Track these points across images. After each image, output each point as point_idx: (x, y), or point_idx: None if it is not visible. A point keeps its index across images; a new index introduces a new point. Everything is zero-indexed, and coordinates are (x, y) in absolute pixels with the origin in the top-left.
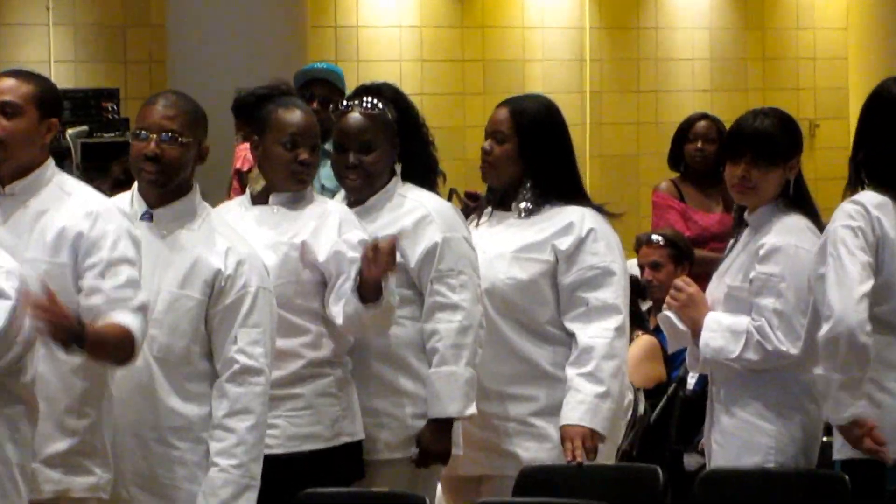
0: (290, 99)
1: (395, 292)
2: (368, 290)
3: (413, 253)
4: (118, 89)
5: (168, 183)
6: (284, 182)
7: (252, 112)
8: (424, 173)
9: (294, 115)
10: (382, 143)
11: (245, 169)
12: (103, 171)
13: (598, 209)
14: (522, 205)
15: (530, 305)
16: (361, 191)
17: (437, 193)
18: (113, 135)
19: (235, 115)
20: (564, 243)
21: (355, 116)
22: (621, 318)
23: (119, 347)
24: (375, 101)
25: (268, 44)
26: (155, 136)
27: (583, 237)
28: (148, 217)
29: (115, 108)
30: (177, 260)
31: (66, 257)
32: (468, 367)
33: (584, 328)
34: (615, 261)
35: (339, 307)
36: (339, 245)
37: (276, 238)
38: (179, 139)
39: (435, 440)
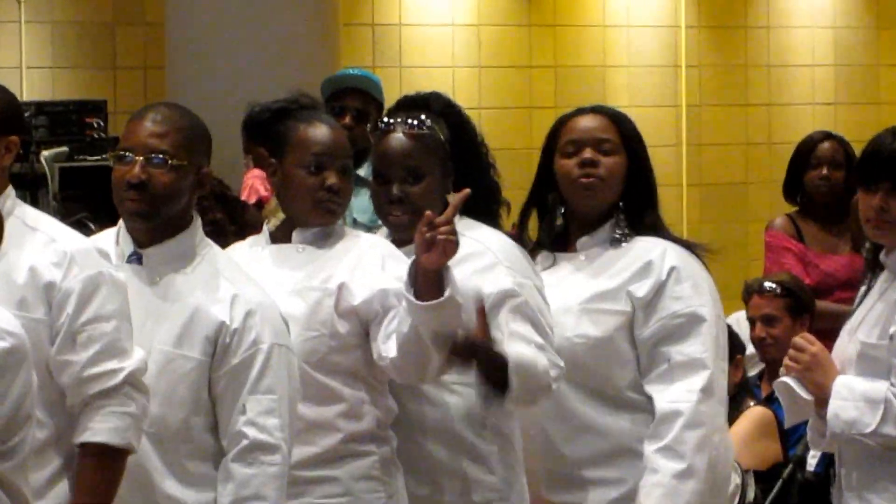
0: (313, 113)
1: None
2: (426, 285)
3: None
4: (105, 101)
5: (157, 216)
6: (309, 214)
7: (267, 131)
8: (485, 205)
9: (319, 132)
10: (433, 169)
11: (252, 201)
12: (87, 201)
13: (687, 245)
14: (623, 232)
15: (606, 368)
16: (409, 228)
17: (501, 228)
18: (98, 158)
19: (247, 134)
20: (642, 288)
21: (398, 138)
22: (708, 375)
23: (105, 482)
24: (423, 117)
25: (289, 46)
26: (141, 158)
27: (663, 280)
28: (136, 259)
29: (102, 124)
30: (172, 311)
31: (41, 312)
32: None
33: (664, 391)
34: (704, 305)
35: (391, 343)
36: (385, 282)
37: (305, 282)
38: (170, 162)
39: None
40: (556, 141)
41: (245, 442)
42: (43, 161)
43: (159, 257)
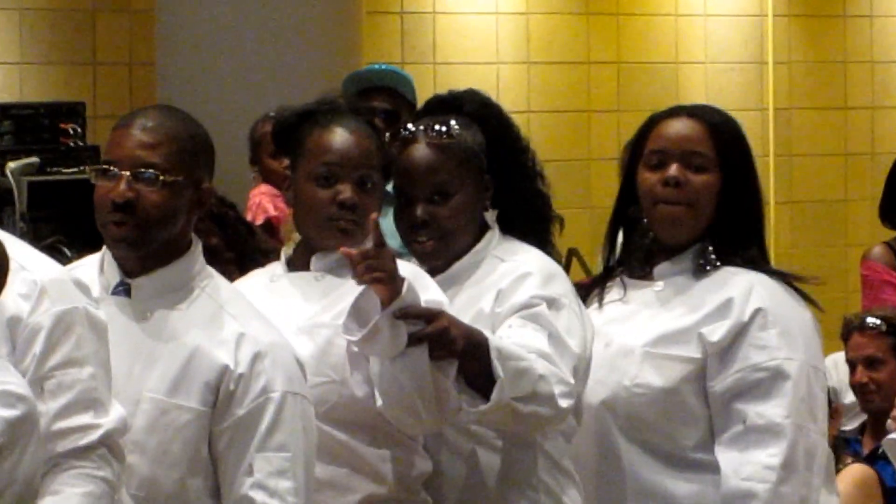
0: (335, 116)
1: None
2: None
3: (500, 318)
4: (83, 104)
5: (147, 242)
6: (320, 234)
7: (289, 138)
8: (531, 222)
9: (333, 137)
10: (463, 185)
11: (259, 221)
12: (61, 221)
13: (781, 275)
14: (710, 258)
15: (669, 425)
16: (437, 256)
17: (552, 253)
18: (75, 170)
19: (276, 144)
20: (717, 331)
21: (421, 149)
22: (789, 446)
23: None
24: (452, 122)
25: (303, 38)
26: (127, 173)
27: (745, 322)
28: (123, 291)
29: (79, 130)
30: (165, 353)
31: (3, 351)
32: None
33: (737, 460)
34: (792, 358)
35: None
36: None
37: (315, 318)
38: (162, 178)
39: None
40: (642, 146)
41: None
42: (8, 174)
43: (150, 289)
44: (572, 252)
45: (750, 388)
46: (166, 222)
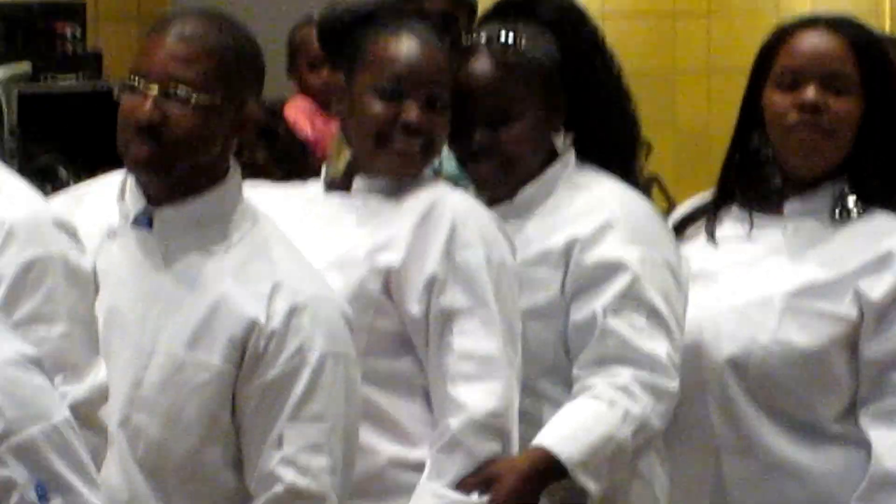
0: (402, 21)
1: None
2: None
3: (578, 267)
4: (83, 2)
5: (173, 170)
6: (375, 156)
7: (343, 41)
8: (615, 150)
9: (401, 46)
10: (530, 106)
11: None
12: (56, 138)
13: None
14: (852, 201)
15: (808, 391)
16: (496, 186)
17: (638, 182)
18: (72, 78)
19: (325, 49)
20: (877, 287)
21: (482, 65)
22: None
23: None
24: (519, 33)
25: None
26: (155, 89)
27: None
28: (145, 221)
29: (78, 33)
30: (187, 300)
31: None
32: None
33: (889, 438)
34: None
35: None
36: (446, 291)
37: (348, 250)
38: (194, 99)
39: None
40: (770, 62)
41: (279, 488)
42: None
43: (176, 221)
44: (653, 179)
45: None
46: (197, 148)
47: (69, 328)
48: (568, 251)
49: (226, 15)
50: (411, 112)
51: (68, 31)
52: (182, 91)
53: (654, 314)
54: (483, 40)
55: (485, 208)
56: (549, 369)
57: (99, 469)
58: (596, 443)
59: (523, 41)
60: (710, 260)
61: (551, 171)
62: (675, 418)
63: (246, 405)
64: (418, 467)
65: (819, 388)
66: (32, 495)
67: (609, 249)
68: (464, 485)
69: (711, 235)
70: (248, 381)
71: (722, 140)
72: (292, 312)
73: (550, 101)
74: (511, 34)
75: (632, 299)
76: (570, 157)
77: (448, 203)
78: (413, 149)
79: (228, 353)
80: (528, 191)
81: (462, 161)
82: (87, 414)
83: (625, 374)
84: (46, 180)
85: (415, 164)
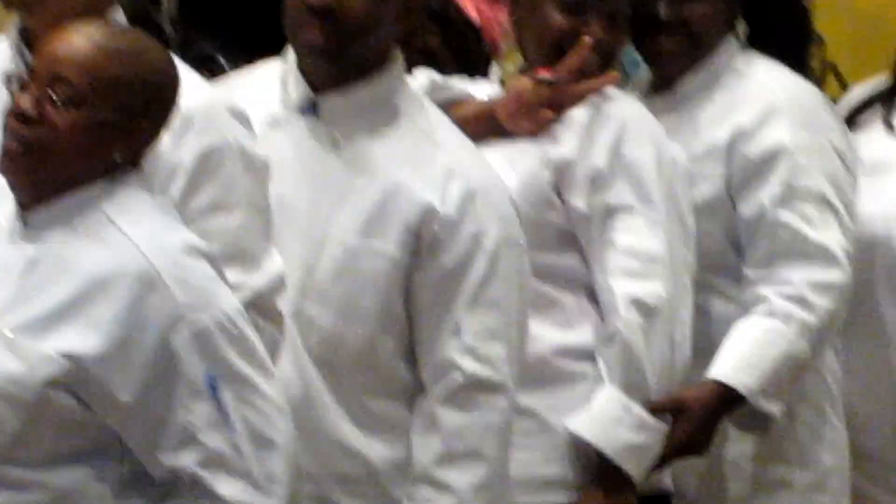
0: None
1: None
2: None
3: (742, 159)
4: None
5: (345, 55)
6: (545, 65)
7: None
8: (787, 37)
9: None
10: None
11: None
12: (216, 26)
13: None
14: None
15: None
16: (679, 60)
17: (808, 73)
18: None
19: None
20: None
21: None
22: None
23: None
24: None
25: None
26: None
27: None
28: (310, 109)
29: None
30: (358, 187)
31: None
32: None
33: None
34: None
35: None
36: (603, 179)
37: (519, 144)
38: None
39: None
40: None
41: (458, 377)
42: None
43: (344, 108)
44: (828, 66)
45: None
46: (369, 32)
47: (247, 217)
48: (732, 143)
49: None
50: (595, 28)
51: None
52: None
53: (823, 202)
54: None
55: (640, 107)
56: (718, 264)
57: (276, 360)
58: (774, 366)
59: None
60: (887, 149)
61: (717, 57)
62: (849, 312)
63: (421, 293)
64: (582, 355)
65: None
66: (203, 385)
67: (772, 137)
68: (653, 406)
69: (888, 123)
70: (423, 269)
71: None
72: (467, 198)
73: None
74: None
75: (799, 188)
76: (732, 44)
77: (619, 103)
78: (591, 65)
79: (404, 240)
80: (692, 80)
81: (637, 37)
82: (266, 304)
83: (796, 279)
84: (205, 67)
85: (589, 77)
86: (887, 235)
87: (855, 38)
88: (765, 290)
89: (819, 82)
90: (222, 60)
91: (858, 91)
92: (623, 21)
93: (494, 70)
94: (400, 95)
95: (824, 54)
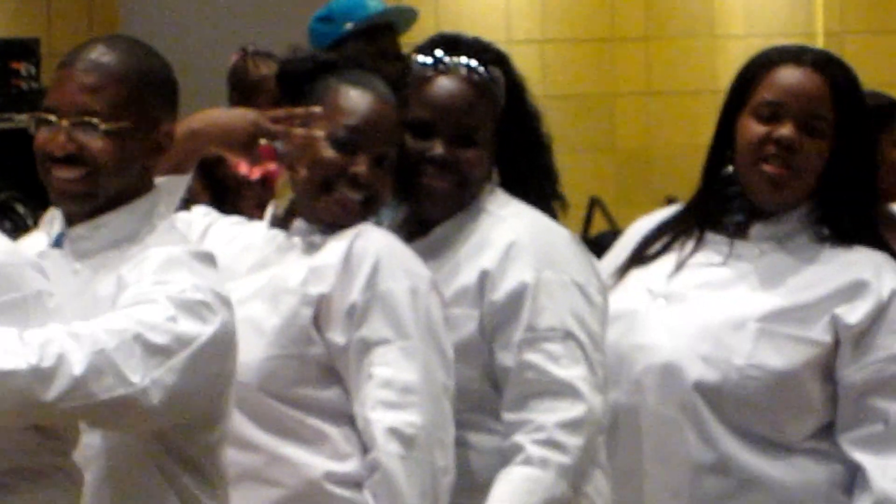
0: (361, 75)
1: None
2: None
3: (490, 304)
4: (37, 40)
5: (96, 196)
6: (316, 198)
7: (301, 87)
8: (536, 189)
9: (364, 100)
10: (487, 134)
11: (255, 178)
12: (13, 176)
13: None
14: (822, 231)
15: (779, 413)
16: (447, 203)
17: (553, 211)
18: (27, 116)
19: (281, 90)
20: (854, 313)
21: (457, 83)
22: None
23: None
24: (488, 65)
25: None
26: (66, 122)
27: (885, 304)
28: (58, 241)
29: (33, 70)
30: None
31: None
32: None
33: (878, 462)
34: None
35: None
36: (366, 321)
37: (281, 281)
38: (104, 127)
39: None
40: (750, 90)
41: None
42: None
43: (87, 242)
44: (594, 201)
45: (890, 382)
46: (117, 172)
47: None
48: (480, 286)
49: (131, 39)
50: (361, 166)
51: (22, 69)
52: (91, 122)
53: (568, 337)
54: (462, 62)
55: (392, 240)
56: (477, 405)
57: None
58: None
59: (495, 73)
60: (677, 281)
61: (476, 203)
62: (650, 437)
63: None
64: (351, 484)
65: (790, 409)
66: None
67: (514, 278)
68: None
69: (681, 261)
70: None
71: (661, 161)
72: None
73: (493, 135)
74: (484, 62)
75: (543, 327)
76: (487, 188)
77: (372, 237)
78: (354, 201)
79: None
80: (451, 222)
81: (408, 172)
82: None
83: (548, 423)
84: (5, 217)
85: (353, 215)
86: (685, 365)
87: (619, 175)
88: (520, 439)
89: (588, 218)
90: (20, 209)
91: (642, 224)
92: (389, 167)
93: (269, 210)
94: (147, 227)
95: (590, 189)
